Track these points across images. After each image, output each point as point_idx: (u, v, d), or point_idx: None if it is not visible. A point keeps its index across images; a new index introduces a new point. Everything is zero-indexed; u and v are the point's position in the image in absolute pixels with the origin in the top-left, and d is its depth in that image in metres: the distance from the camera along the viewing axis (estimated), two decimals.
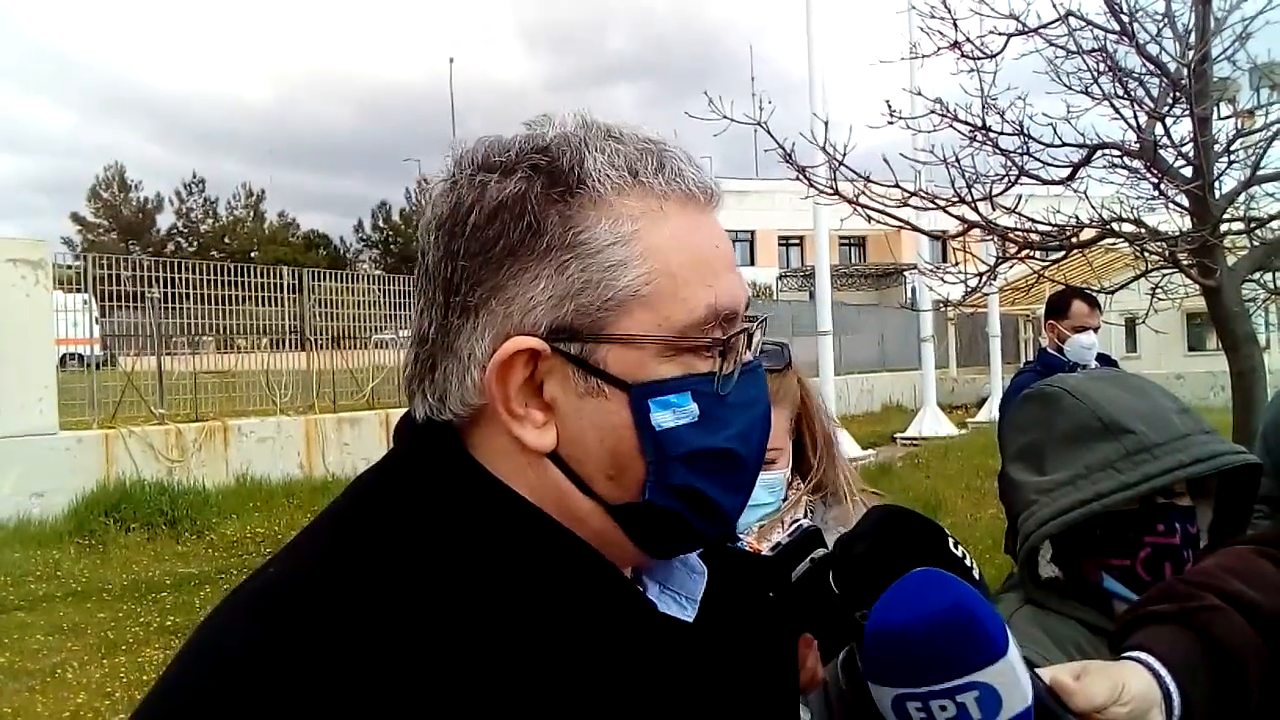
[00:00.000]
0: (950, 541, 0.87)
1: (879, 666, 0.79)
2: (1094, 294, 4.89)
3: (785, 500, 1.66)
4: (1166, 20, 4.03)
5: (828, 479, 1.71)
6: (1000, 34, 4.23)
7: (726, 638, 0.81)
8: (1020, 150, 4.29)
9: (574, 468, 0.73)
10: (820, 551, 0.93)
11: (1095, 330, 4.70)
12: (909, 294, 30.12)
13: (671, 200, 0.74)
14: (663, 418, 0.72)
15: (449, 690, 0.65)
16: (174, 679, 0.66)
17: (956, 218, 4.54)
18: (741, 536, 1.54)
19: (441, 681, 0.65)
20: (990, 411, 19.34)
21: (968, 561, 0.86)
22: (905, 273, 29.91)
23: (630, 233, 0.72)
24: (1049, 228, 4.42)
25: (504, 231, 0.71)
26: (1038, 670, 0.87)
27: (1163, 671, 0.98)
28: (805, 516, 1.65)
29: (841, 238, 36.99)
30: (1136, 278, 4.61)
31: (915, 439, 17.07)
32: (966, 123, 4.40)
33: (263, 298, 13.59)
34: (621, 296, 0.71)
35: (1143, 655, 1.00)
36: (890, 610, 0.78)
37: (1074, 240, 4.41)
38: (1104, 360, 4.87)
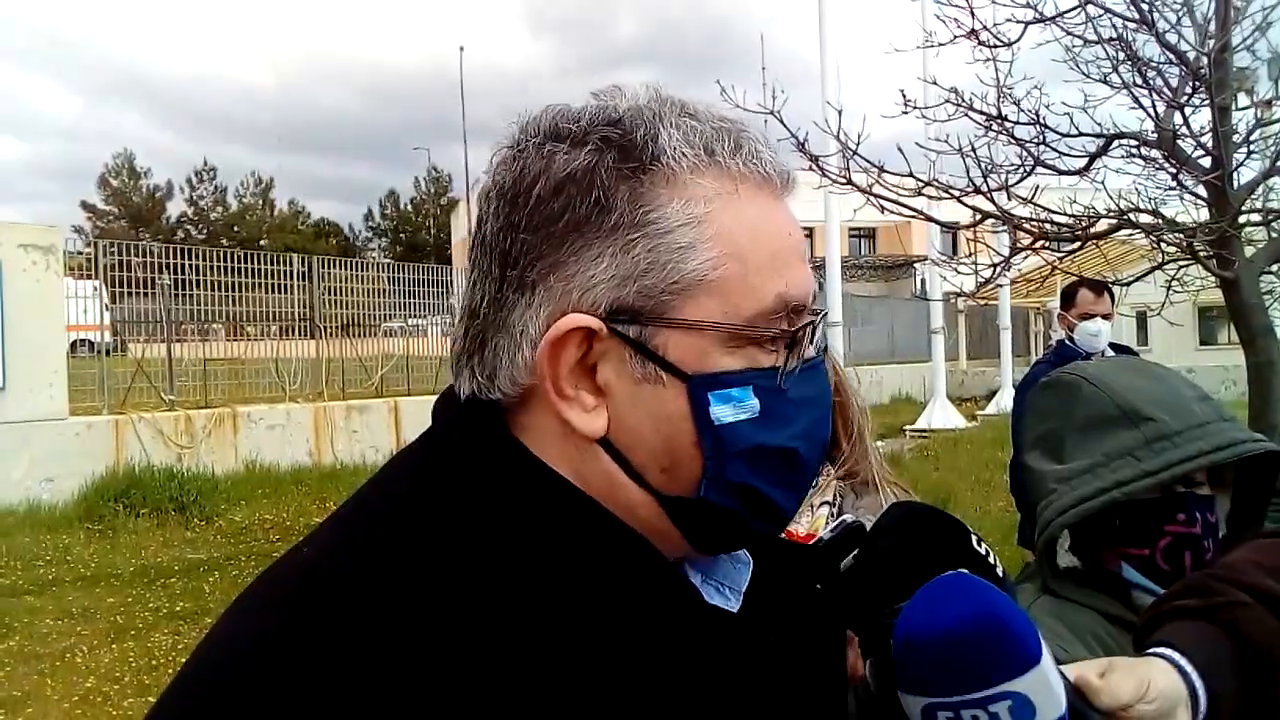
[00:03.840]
0: (974, 539, 0.85)
1: (908, 675, 0.76)
2: (1102, 281, 4.84)
3: (815, 486, 1.65)
4: (1186, 9, 3.99)
5: (859, 467, 1.70)
6: (1018, 22, 4.20)
7: (774, 627, 0.78)
8: (1036, 140, 4.26)
9: (626, 455, 0.70)
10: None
11: (1106, 317, 4.64)
12: (918, 285, 30.05)
13: (748, 183, 0.71)
14: (722, 412, 0.69)
15: (486, 682, 0.62)
16: (200, 665, 0.64)
17: (971, 208, 4.51)
18: None
19: (478, 673, 0.62)
20: (999, 404, 19.27)
21: (991, 559, 0.84)
22: (915, 264, 29.83)
23: (703, 214, 0.68)
24: (1065, 218, 4.39)
25: (570, 205, 0.68)
26: (1062, 667, 0.85)
27: (1189, 668, 0.96)
28: (834, 501, 1.65)
29: (851, 229, 36.88)
30: (1153, 269, 4.58)
31: (925, 431, 17.01)
32: (982, 112, 4.36)
33: (272, 285, 13.62)
34: (688, 281, 0.68)
35: (1168, 651, 0.98)
36: (919, 618, 0.75)
37: (1090, 231, 4.37)
38: (1121, 350, 4.83)
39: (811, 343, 0.74)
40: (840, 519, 0.94)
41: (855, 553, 0.89)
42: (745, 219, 0.70)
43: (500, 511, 0.69)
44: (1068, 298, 4.77)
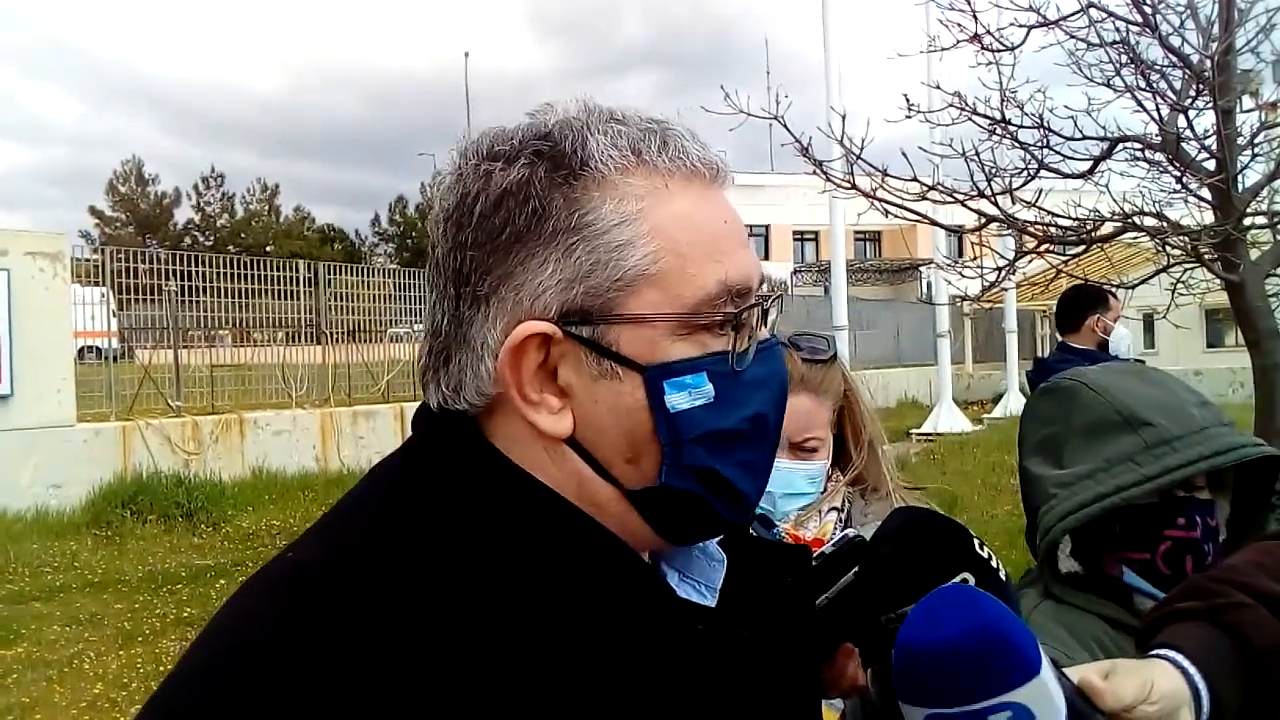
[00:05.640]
0: (975, 543, 0.85)
1: (909, 686, 0.77)
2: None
3: (824, 492, 1.65)
4: (1189, 11, 3.99)
5: (869, 473, 1.70)
6: (1020, 26, 4.20)
7: (751, 625, 0.80)
8: (1040, 144, 4.26)
9: (591, 452, 0.73)
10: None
11: None
12: (923, 289, 29.99)
13: (676, 178, 0.74)
14: (678, 399, 0.72)
15: (468, 675, 0.64)
16: (194, 664, 0.65)
17: (975, 212, 4.51)
18: (778, 524, 1.53)
19: (460, 667, 0.64)
20: (1006, 407, 19.22)
21: (994, 562, 0.85)
22: (920, 268, 29.80)
23: (635, 211, 0.71)
24: (1069, 222, 4.38)
25: (510, 219, 0.71)
26: (1065, 670, 0.85)
27: (1191, 669, 0.96)
28: (843, 507, 1.64)
29: (856, 233, 36.88)
30: (1158, 272, 4.56)
31: (931, 435, 16.94)
32: (986, 116, 4.36)
33: (279, 291, 13.64)
34: (630, 276, 0.71)
35: (1171, 653, 0.98)
36: (920, 629, 0.76)
37: (1095, 234, 4.36)
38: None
39: (764, 325, 0.77)
40: (843, 534, 0.94)
41: (852, 573, 0.89)
42: (678, 212, 0.73)
43: (477, 514, 0.71)
44: (1099, 301, 4.68)
